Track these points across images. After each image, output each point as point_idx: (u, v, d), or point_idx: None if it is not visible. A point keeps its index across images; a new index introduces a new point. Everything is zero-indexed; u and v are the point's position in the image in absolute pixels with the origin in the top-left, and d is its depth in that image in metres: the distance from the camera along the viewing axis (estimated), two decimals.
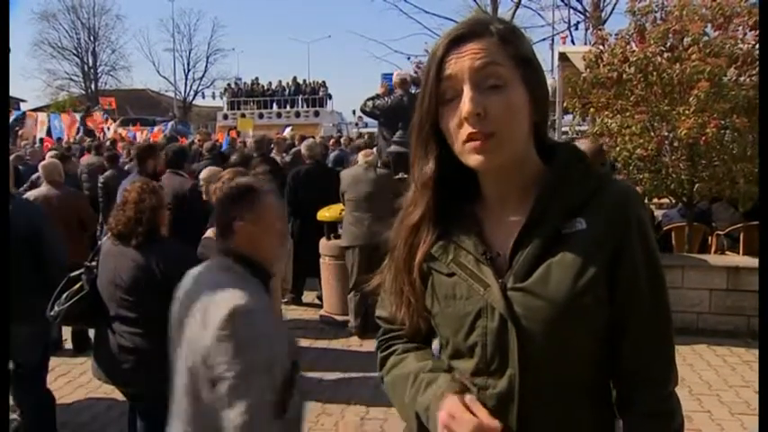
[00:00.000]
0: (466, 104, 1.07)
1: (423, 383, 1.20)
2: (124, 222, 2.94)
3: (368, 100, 7.12)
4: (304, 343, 5.73)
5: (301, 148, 7.61)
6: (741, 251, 6.31)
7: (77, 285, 3.01)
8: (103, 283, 2.98)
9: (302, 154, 7.35)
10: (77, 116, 19.56)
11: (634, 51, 6.14)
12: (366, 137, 14.74)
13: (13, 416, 3.58)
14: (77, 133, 17.54)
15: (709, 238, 6.82)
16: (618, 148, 6.16)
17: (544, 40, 21.24)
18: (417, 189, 1.21)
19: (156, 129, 21.78)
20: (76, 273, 3.05)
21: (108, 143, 12.51)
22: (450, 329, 1.19)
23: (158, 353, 2.93)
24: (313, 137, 13.29)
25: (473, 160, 1.11)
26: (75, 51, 44.47)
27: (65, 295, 2.99)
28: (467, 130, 1.09)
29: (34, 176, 6.89)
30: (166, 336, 2.96)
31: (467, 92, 1.08)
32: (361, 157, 5.99)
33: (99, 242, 3.14)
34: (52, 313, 2.99)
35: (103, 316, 2.99)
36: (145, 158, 5.33)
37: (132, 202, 2.96)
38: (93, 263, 3.04)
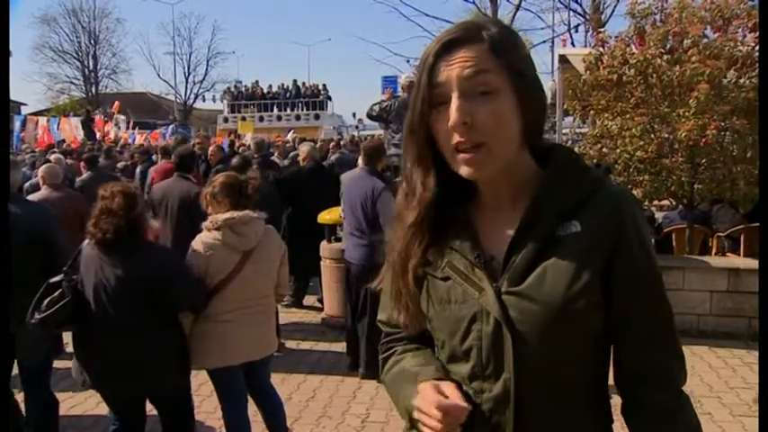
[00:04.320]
0: (453, 113, 1.07)
1: (409, 378, 1.21)
2: (113, 231, 2.90)
3: (374, 105, 7.16)
4: (305, 346, 5.74)
5: (299, 150, 7.61)
6: (742, 253, 6.30)
7: (58, 292, 2.95)
8: (88, 289, 2.96)
9: (301, 155, 7.33)
10: (77, 120, 19.57)
11: (634, 54, 6.15)
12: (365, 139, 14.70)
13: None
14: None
15: (710, 240, 6.82)
16: (618, 151, 6.17)
17: (544, 42, 21.35)
18: (412, 194, 1.20)
19: (157, 131, 21.83)
20: (56, 279, 3.00)
21: (118, 146, 12.60)
22: (446, 333, 1.19)
23: (144, 357, 2.96)
24: (314, 140, 13.31)
25: (464, 171, 1.11)
26: (75, 55, 44.52)
27: (46, 302, 2.94)
28: (455, 138, 1.09)
29: (33, 180, 6.89)
30: (152, 340, 3.01)
31: (454, 100, 1.08)
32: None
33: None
34: (33, 321, 2.94)
35: (87, 321, 2.97)
36: (375, 157, 5.09)
37: (121, 210, 2.92)
38: (72, 269, 3.02)
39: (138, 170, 9.01)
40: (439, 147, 1.14)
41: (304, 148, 7.58)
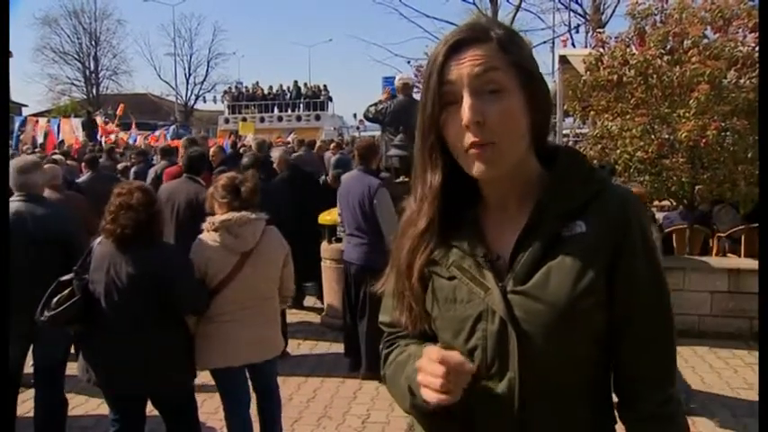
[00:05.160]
0: (466, 112, 1.07)
1: (414, 356, 1.19)
2: (133, 226, 2.91)
3: (370, 106, 7.17)
4: (305, 346, 5.75)
5: (272, 157, 7.36)
6: (742, 253, 6.30)
7: (67, 290, 2.97)
8: (99, 287, 2.96)
9: (274, 161, 7.08)
10: (78, 121, 19.57)
11: (634, 54, 6.15)
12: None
13: None
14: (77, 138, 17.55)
15: (711, 241, 6.82)
16: (618, 151, 6.17)
17: (545, 43, 21.35)
18: (422, 196, 1.20)
19: (157, 132, 21.84)
20: (67, 277, 3.02)
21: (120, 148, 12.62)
22: (451, 333, 1.19)
23: (151, 356, 2.97)
24: (313, 141, 13.33)
25: (475, 169, 1.11)
26: (76, 56, 44.52)
27: (55, 300, 2.95)
28: (468, 138, 1.09)
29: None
30: (160, 338, 3.03)
31: (466, 99, 1.08)
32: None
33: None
34: (43, 318, 2.96)
35: (95, 319, 2.98)
36: (368, 157, 5.07)
37: (141, 205, 2.94)
38: (83, 268, 3.03)
39: (132, 171, 8.96)
40: (449, 147, 1.14)
41: (275, 154, 7.37)
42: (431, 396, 1.07)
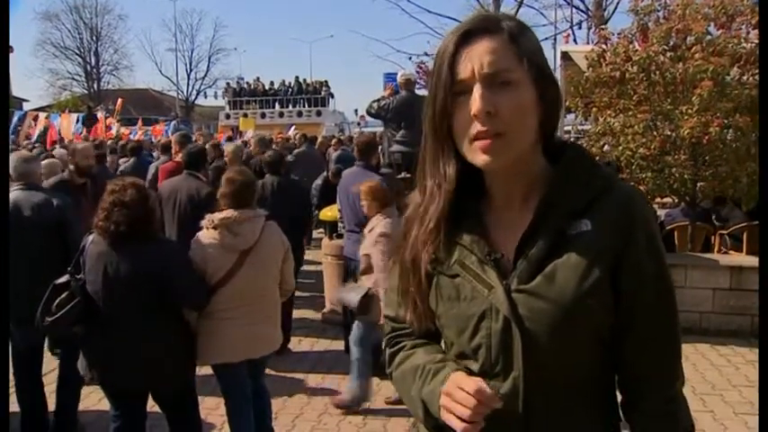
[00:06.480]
0: (477, 102, 1.06)
1: (430, 373, 1.20)
2: (127, 223, 2.89)
3: (373, 102, 7.16)
4: (306, 343, 5.74)
5: (225, 150, 7.06)
6: (745, 250, 6.29)
7: (65, 294, 2.95)
8: (97, 286, 2.95)
9: (226, 156, 6.78)
10: (76, 116, 19.52)
11: (637, 50, 6.14)
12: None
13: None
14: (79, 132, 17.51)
15: (713, 238, 6.81)
16: (621, 148, 6.15)
17: (546, 39, 21.21)
18: (435, 188, 1.18)
19: (157, 127, 21.80)
20: (62, 280, 2.99)
21: (109, 142, 12.58)
22: (455, 331, 1.18)
23: (152, 353, 2.96)
24: (315, 136, 13.32)
25: (480, 159, 1.09)
26: (77, 51, 44.58)
27: (55, 304, 2.93)
28: (476, 127, 1.08)
29: None
30: (160, 335, 3.02)
31: (477, 89, 1.07)
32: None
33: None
34: (44, 324, 2.95)
35: (95, 318, 2.97)
36: (368, 152, 5.05)
37: (134, 202, 2.93)
38: (76, 268, 3.02)
39: (118, 169, 8.88)
40: (455, 138, 1.12)
41: (229, 148, 7.13)
42: (456, 424, 1.08)
